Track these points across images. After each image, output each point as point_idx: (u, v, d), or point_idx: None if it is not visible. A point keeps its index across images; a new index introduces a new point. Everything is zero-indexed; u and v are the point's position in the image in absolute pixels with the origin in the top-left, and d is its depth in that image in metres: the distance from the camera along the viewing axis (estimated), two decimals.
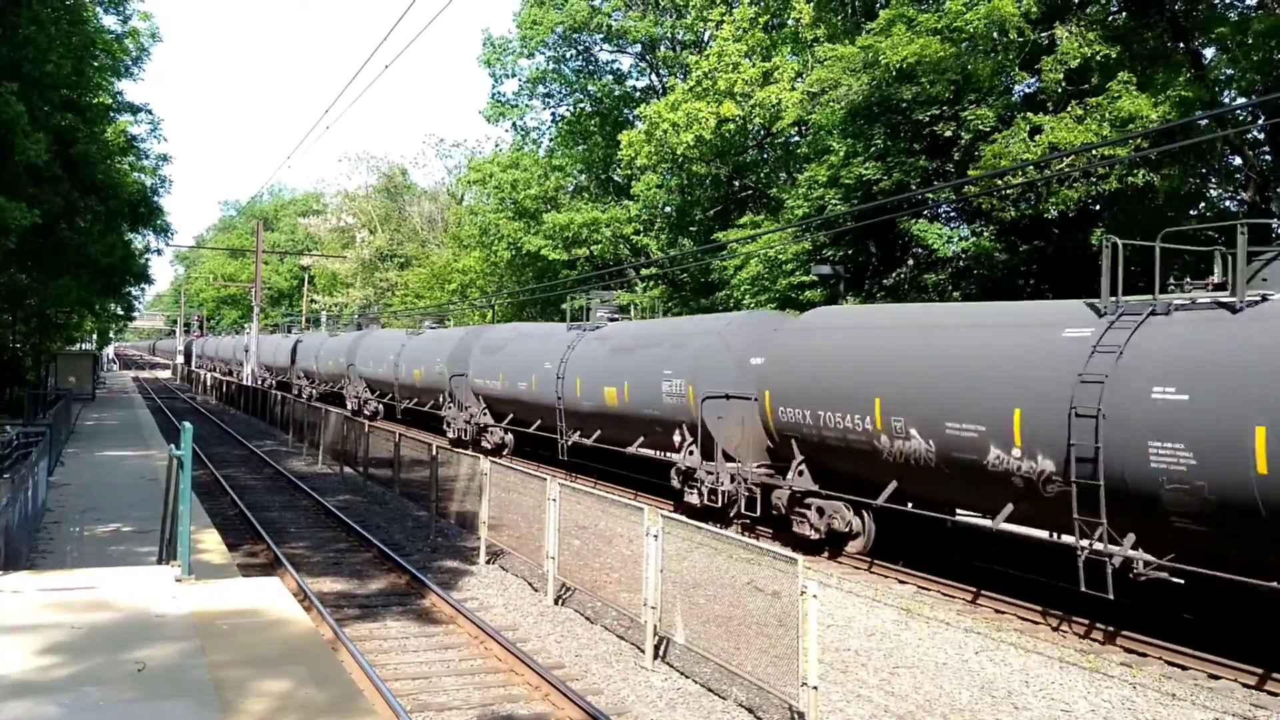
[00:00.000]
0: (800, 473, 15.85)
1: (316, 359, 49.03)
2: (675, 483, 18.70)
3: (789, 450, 16.06)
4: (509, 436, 27.58)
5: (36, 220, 22.45)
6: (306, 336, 58.08)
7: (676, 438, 18.81)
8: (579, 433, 22.95)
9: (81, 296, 38.47)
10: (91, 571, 11.02)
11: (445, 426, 30.69)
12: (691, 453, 18.17)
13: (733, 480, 17.23)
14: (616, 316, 24.87)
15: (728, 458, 17.45)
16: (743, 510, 17.08)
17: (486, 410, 28.39)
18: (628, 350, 21.23)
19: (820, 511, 15.60)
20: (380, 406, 39.48)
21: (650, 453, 21.11)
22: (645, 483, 22.02)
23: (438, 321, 41.22)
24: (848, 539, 15.56)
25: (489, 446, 27.08)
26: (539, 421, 25.04)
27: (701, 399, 17.77)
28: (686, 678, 10.39)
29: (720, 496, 17.31)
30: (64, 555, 14.06)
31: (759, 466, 17.13)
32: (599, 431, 22.24)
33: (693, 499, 17.97)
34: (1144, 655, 11.28)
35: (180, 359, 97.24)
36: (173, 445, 11.93)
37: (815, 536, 15.62)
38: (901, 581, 14.61)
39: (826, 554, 15.75)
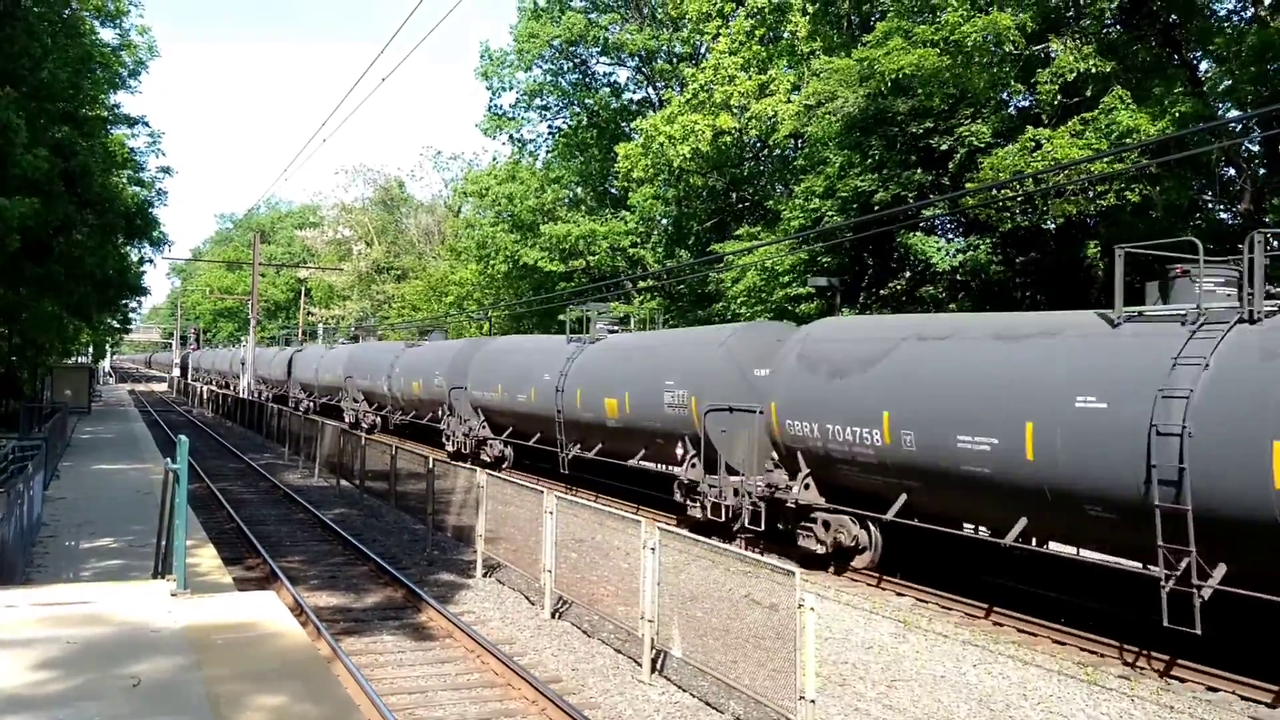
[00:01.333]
0: None
1: (389, 378, 37.42)
2: None
3: None
4: (859, 530, 15.50)
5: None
6: (367, 347, 45.61)
7: None
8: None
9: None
10: (87, 586, 10.99)
11: (688, 502, 18.37)
12: None
13: None
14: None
15: None
16: None
17: (811, 480, 16.07)
18: None
19: None
20: (508, 449, 27.87)
21: None
22: None
23: (645, 323, 27.83)
24: None
25: (820, 551, 15.81)
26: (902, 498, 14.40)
27: None
28: (684, 691, 10.36)
29: None
30: (59, 569, 14.02)
31: None
32: None
33: None
34: (1142, 669, 11.27)
35: (177, 372, 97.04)
36: (169, 459, 11.91)
37: None
38: (899, 594, 14.58)
39: None
